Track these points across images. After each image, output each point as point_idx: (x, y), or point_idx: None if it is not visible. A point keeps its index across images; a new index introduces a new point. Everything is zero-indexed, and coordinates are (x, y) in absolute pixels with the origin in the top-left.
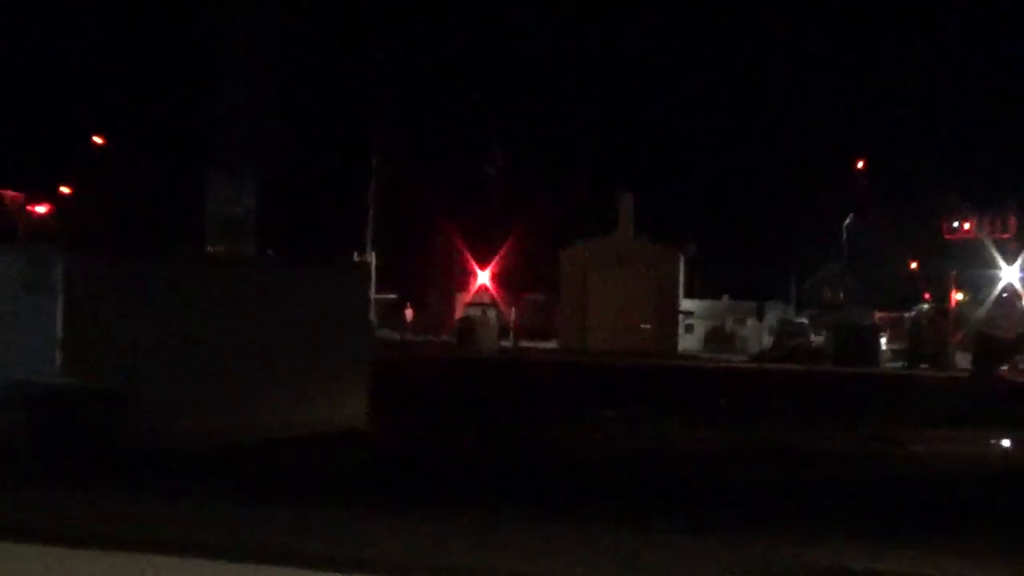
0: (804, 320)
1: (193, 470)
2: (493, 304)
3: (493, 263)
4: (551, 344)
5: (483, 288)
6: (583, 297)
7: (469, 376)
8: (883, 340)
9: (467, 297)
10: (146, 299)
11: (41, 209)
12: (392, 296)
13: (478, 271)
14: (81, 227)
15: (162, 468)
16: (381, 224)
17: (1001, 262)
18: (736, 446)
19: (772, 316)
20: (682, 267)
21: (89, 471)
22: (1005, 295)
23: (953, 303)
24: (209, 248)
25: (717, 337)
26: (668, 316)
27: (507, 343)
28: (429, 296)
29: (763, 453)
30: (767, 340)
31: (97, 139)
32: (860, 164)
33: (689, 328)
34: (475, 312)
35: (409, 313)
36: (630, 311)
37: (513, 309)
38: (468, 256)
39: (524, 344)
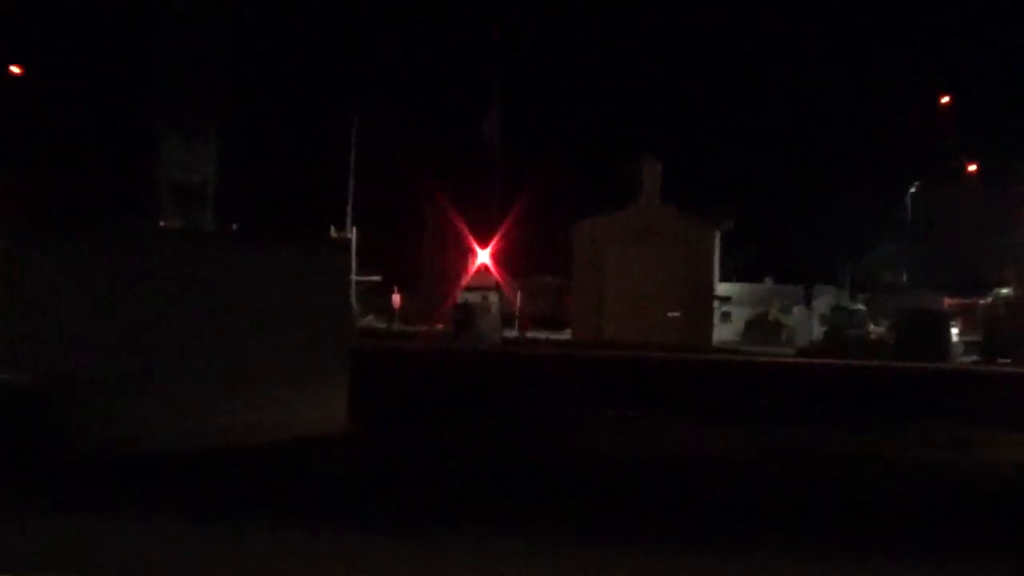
0: (861, 307)
1: (128, 481)
2: (495, 288)
3: (495, 240)
4: (563, 335)
5: (483, 269)
6: (600, 280)
7: (466, 371)
8: (954, 330)
9: (464, 280)
10: (87, 281)
11: None
12: (376, 278)
13: (477, 249)
14: (8, 196)
15: (96, 479)
16: (363, 194)
17: None
18: (774, 452)
19: (823, 302)
20: (717, 244)
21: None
22: None
23: None
24: (163, 222)
25: (758, 327)
26: (701, 302)
27: (511, 333)
28: (420, 278)
29: (803, 460)
30: (817, 330)
31: (15, 69)
32: (945, 99)
33: (725, 316)
34: (474, 297)
35: (396, 298)
36: (656, 296)
37: (519, 294)
38: (466, 231)
39: (532, 335)
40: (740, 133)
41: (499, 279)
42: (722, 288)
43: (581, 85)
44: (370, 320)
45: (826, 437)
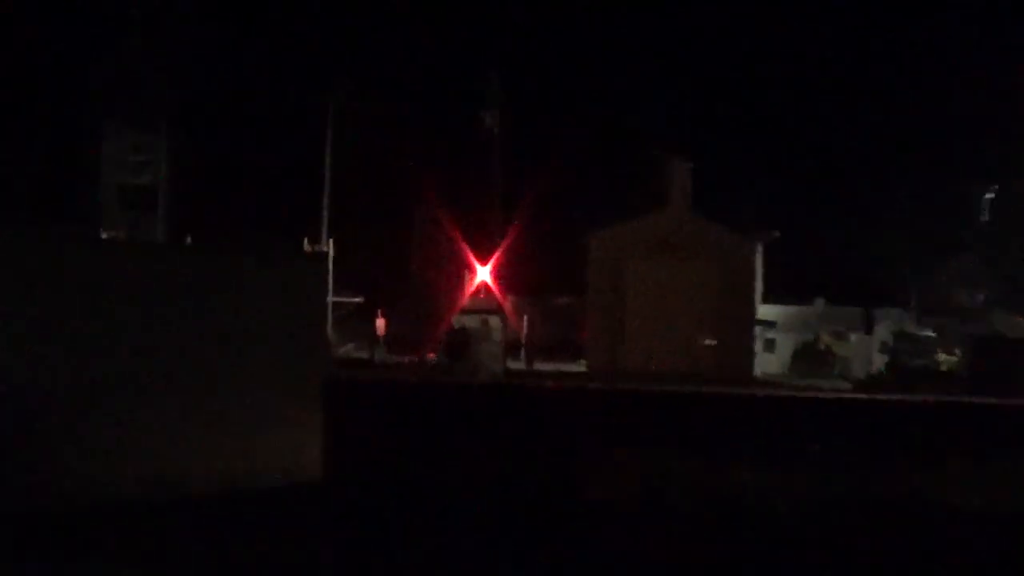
0: (929, 333)
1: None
2: (497, 311)
3: (497, 255)
4: (578, 366)
5: (483, 288)
6: (620, 301)
7: (461, 409)
8: None
9: (461, 301)
10: (10, 295)
11: None
12: (357, 300)
13: (476, 266)
14: None
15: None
16: (341, 201)
17: None
18: (836, 501)
19: (885, 328)
20: (759, 259)
21: None
22: None
23: None
24: (105, 234)
25: (808, 356)
26: (740, 327)
27: (517, 364)
28: (408, 300)
29: (869, 512)
30: (878, 360)
31: None
32: None
33: (769, 344)
34: (472, 321)
35: (380, 323)
36: (686, 320)
37: (525, 317)
38: (462, 245)
39: (540, 366)
40: (784, 127)
41: (502, 300)
42: (764, 310)
43: (597, 76)
44: (350, 349)
45: (898, 486)
